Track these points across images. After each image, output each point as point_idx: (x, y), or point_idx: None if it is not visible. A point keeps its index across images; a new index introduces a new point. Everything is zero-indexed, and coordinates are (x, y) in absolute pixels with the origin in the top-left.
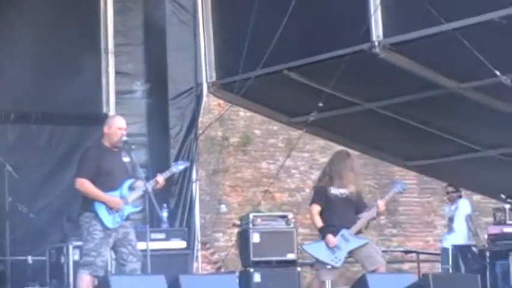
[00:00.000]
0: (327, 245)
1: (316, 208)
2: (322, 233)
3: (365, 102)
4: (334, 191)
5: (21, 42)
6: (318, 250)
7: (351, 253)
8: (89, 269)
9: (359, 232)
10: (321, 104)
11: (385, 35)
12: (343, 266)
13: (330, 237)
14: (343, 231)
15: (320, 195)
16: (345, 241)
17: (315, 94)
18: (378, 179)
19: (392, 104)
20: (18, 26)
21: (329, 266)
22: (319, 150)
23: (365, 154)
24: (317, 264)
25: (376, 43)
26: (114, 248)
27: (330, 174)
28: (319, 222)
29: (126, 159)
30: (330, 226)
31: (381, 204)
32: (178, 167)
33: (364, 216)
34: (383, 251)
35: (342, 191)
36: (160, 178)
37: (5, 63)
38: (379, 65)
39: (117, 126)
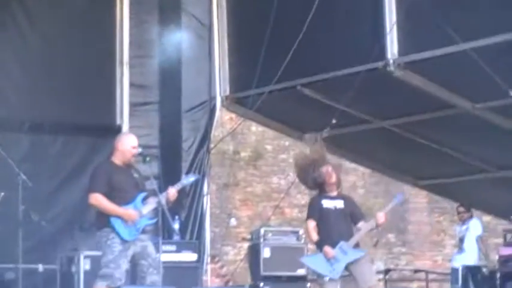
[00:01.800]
0: (325, 257)
1: (312, 224)
2: (319, 246)
3: (378, 120)
4: (327, 204)
5: (35, 52)
6: (315, 262)
7: (348, 266)
8: (107, 281)
9: (357, 244)
10: (334, 121)
11: (400, 53)
12: (343, 279)
13: (327, 248)
14: (341, 243)
15: (313, 209)
16: (342, 253)
17: (328, 111)
18: (389, 198)
19: (405, 122)
20: (32, 36)
21: (327, 278)
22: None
23: (376, 172)
24: (317, 277)
25: (391, 61)
26: (134, 261)
27: (317, 185)
28: (315, 237)
29: (135, 174)
30: (327, 239)
31: (380, 215)
32: (188, 179)
33: (363, 228)
34: (391, 270)
35: (335, 203)
36: (172, 190)
37: (18, 73)
38: (393, 83)
39: (132, 145)
